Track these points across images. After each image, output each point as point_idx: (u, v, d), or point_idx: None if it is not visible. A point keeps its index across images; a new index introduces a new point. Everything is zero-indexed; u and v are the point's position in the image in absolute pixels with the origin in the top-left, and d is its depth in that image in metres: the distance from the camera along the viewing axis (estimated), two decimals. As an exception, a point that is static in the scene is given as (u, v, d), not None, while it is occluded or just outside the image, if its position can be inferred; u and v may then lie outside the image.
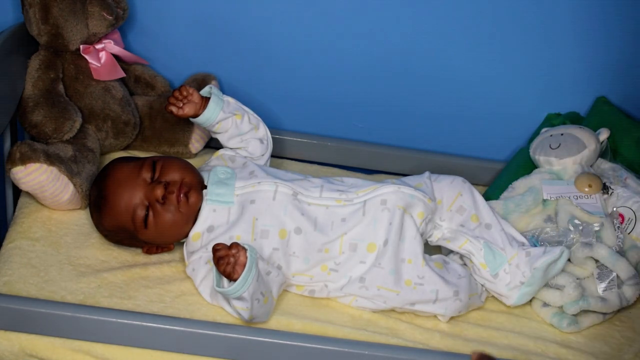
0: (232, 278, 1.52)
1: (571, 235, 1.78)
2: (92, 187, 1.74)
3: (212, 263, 1.59)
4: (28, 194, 1.75)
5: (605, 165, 1.96)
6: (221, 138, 1.85)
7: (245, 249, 1.53)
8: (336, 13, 1.98)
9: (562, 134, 1.95)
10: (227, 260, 1.51)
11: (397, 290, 1.68)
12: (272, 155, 1.91)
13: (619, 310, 1.79)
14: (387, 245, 1.68)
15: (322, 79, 2.08)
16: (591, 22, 1.99)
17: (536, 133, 2.07)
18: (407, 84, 2.08)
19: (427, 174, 1.82)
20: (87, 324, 1.51)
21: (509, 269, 1.73)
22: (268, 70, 2.07)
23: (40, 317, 1.50)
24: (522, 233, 1.81)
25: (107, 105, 1.89)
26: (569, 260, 1.77)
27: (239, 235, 1.66)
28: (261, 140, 1.86)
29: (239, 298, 1.53)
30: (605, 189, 1.87)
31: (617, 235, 1.80)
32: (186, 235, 1.70)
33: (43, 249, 1.68)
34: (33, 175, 1.67)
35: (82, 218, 1.78)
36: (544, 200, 1.88)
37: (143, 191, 1.67)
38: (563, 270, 1.75)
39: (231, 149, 1.86)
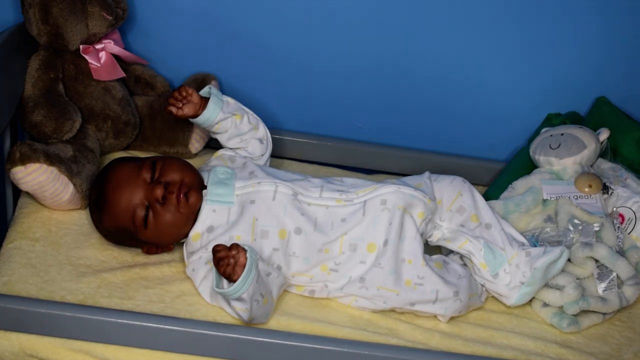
0: (232, 279, 1.52)
1: (571, 235, 1.78)
2: (92, 187, 1.74)
3: (212, 263, 1.59)
4: (28, 194, 1.75)
5: (605, 165, 1.96)
6: (221, 138, 1.85)
7: (245, 250, 1.53)
8: (336, 13, 1.98)
9: (562, 134, 1.95)
10: (227, 261, 1.51)
11: (397, 290, 1.68)
12: (272, 155, 1.91)
13: (619, 310, 1.79)
14: (387, 245, 1.68)
15: (322, 79, 2.08)
16: (591, 22, 1.99)
17: (536, 133, 2.07)
18: (408, 84, 2.08)
19: (427, 174, 1.82)
20: (87, 324, 1.51)
21: (509, 269, 1.73)
22: (268, 70, 2.07)
23: (40, 317, 1.50)
24: (522, 233, 1.81)
25: (107, 105, 1.89)
26: (569, 260, 1.77)
27: (239, 235, 1.66)
28: (261, 141, 1.86)
29: (239, 299, 1.53)
30: (605, 189, 1.87)
31: (617, 235, 1.80)
32: (186, 236, 1.70)
33: (43, 249, 1.68)
34: (33, 175, 1.67)
35: (82, 218, 1.78)
36: (544, 200, 1.88)
37: (143, 191, 1.67)
38: (563, 270, 1.75)
39: (231, 149, 1.86)
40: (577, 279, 1.76)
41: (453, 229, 1.78)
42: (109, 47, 1.91)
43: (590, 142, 1.93)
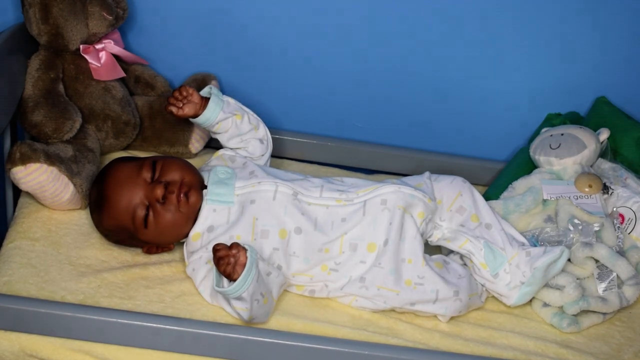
0: (232, 278, 1.52)
1: (571, 235, 1.78)
2: (92, 187, 1.74)
3: (212, 263, 1.59)
4: (28, 194, 1.75)
5: (605, 165, 1.96)
6: (221, 138, 1.85)
7: (245, 249, 1.53)
8: (337, 14, 1.98)
9: (562, 134, 1.95)
10: (227, 260, 1.52)
11: (397, 290, 1.68)
12: (272, 155, 1.91)
13: (619, 310, 1.79)
14: (387, 245, 1.68)
15: (322, 79, 2.08)
16: (591, 22, 1.99)
17: (536, 133, 2.07)
18: (407, 84, 2.08)
19: (427, 174, 1.82)
20: (87, 324, 1.51)
21: (509, 268, 1.73)
22: (268, 71, 2.07)
23: (40, 317, 1.50)
24: (522, 233, 1.81)
25: (107, 105, 1.89)
26: (569, 260, 1.77)
27: (239, 235, 1.66)
28: (261, 141, 1.86)
29: (239, 298, 1.53)
30: (605, 189, 1.87)
31: (617, 235, 1.80)
32: (186, 235, 1.70)
33: (43, 249, 1.68)
34: (33, 175, 1.67)
35: (82, 218, 1.78)
36: (544, 200, 1.88)
37: (143, 191, 1.67)
38: (563, 270, 1.75)
39: (231, 149, 1.86)
40: (577, 279, 1.76)
41: (453, 228, 1.78)
42: (109, 47, 1.91)
43: (590, 142, 1.93)
